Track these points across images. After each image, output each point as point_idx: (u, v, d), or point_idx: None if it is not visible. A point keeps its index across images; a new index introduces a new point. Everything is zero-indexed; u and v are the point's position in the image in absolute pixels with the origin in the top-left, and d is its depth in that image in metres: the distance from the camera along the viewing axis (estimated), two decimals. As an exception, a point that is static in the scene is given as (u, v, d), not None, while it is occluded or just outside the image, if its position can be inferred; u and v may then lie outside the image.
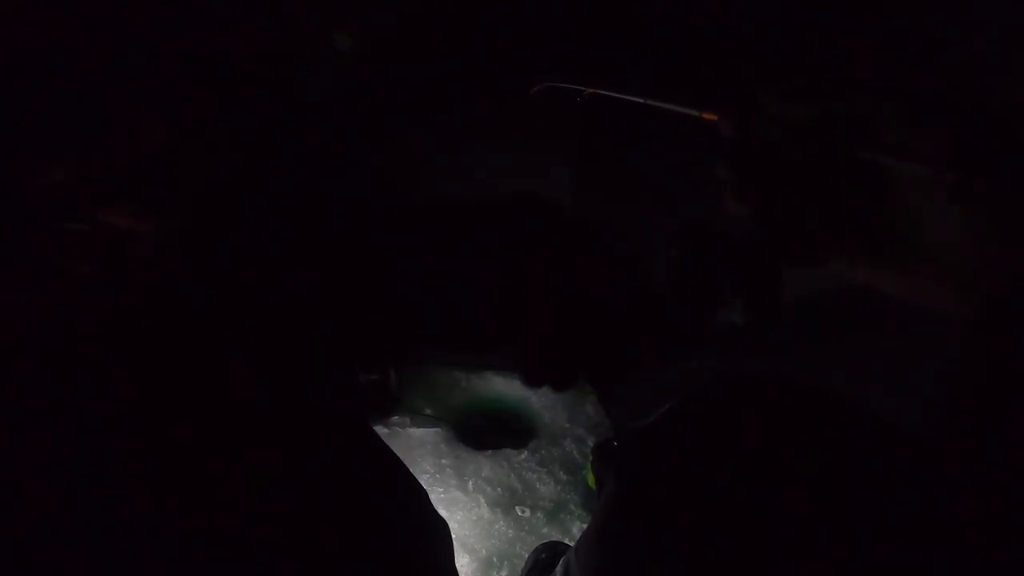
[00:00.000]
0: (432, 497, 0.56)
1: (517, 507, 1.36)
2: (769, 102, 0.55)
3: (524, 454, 1.48)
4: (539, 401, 1.64)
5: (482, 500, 1.36)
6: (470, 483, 1.40)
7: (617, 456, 0.65)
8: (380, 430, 1.50)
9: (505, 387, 1.68)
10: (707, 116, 0.57)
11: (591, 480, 1.32)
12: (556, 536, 1.30)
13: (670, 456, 0.60)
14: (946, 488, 0.54)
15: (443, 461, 1.45)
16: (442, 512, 0.58)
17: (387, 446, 0.55)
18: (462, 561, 1.25)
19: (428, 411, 1.58)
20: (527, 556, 1.22)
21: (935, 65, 0.72)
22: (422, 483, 0.58)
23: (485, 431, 1.56)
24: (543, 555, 1.20)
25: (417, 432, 1.51)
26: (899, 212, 0.53)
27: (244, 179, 1.52)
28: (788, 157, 0.54)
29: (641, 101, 0.64)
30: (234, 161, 1.47)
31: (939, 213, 0.50)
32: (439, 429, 1.52)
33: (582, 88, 0.72)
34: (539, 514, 1.35)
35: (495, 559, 1.27)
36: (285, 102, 1.42)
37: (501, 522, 1.32)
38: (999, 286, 0.49)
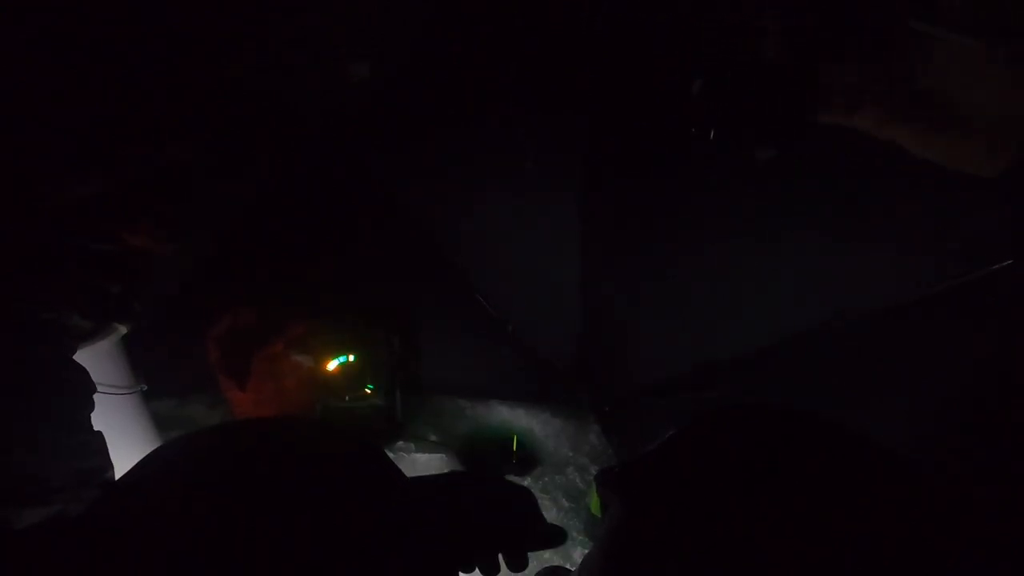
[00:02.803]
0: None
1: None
2: None
3: (527, 481, 1.50)
4: (542, 430, 1.65)
5: (485, 526, 1.36)
6: (473, 509, 1.40)
7: (623, 479, 0.67)
8: (384, 455, 1.51)
9: (509, 416, 1.69)
10: None
11: (595, 506, 1.33)
12: (558, 561, 1.30)
13: (674, 479, 0.62)
14: (944, 509, 0.55)
15: (447, 487, 1.45)
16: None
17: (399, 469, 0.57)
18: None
19: (433, 437, 1.59)
20: (529, 582, 1.22)
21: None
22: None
23: (489, 458, 1.57)
24: (545, 581, 1.21)
25: (422, 457, 1.52)
26: (939, 77, 0.55)
27: (259, 204, 1.55)
28: (841, 15, 0.56)
29: None
30: (249, 186, 1.51)
31: (980, 79, 0.52)
32: (443, 455, 1.53)
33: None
34: (541, 541, 1.35)
35: (497, 585, 1.27)
36: (300, 127, 1.46)
37: (503, 548, 1.32)
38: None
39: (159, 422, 1.43)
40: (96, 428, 0.93)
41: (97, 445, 0.91)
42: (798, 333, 1.20)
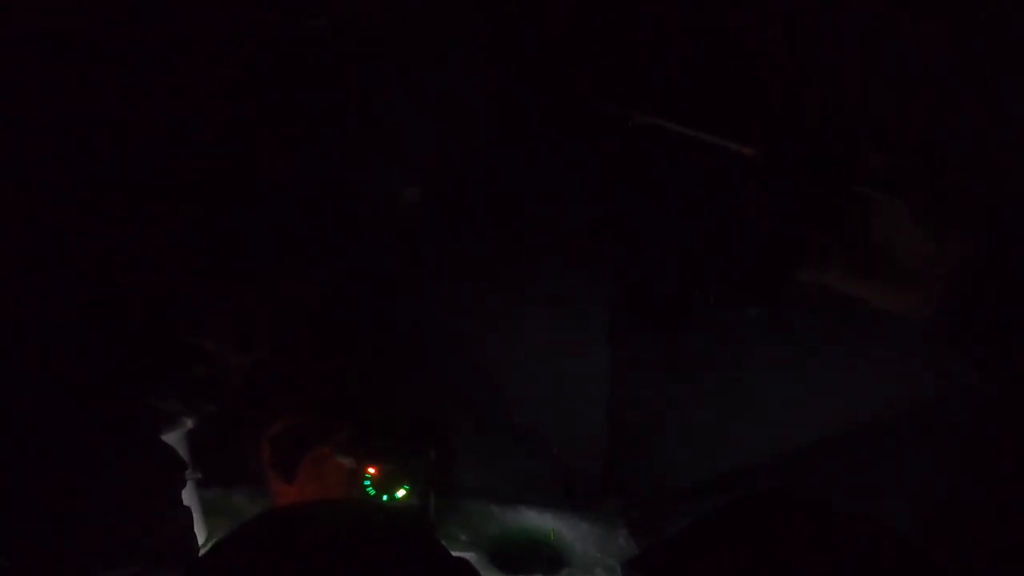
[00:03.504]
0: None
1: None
2: (794, 144, 0.68)
3: (555, 582, 1.53)
4: (570, 533, 1.70)
5: (512, 623, 1.40)
6: (501, 607, 1.44)
7: (646, 559, 0.74)
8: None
9: (538, 520, 1.74)
10: (745, 151, 0.71)
11: (621, 604, 1.37)
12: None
13: (693, 558, 0.69)
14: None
15: (476, 585, 1.49)
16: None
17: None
18: None
19: (463, 537, 1.64)
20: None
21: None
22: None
23: (517, 558, 1.62)
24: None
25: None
26: (881, 236, 0.65)
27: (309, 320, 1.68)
28: (803, 188, 0.67)
29: (690, 133, 0.77)
30: (310, 295, 1.64)
31: (910, 237, 0.63)
32: (473, 554, 1.58)
33: (634, 114, 0.86)
34: (567, 638, 1.38)
35: None
36: (356, 255, 1.60)
37: (530, 645, 1.36)
38: (949, 290, 0.62)
39: (206, 509, 1.51)
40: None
41: (184, 520, 0.99)
42: (807, 442, 1.28)
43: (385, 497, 1.58)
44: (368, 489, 1.59)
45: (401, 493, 1.60)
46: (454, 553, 1.56)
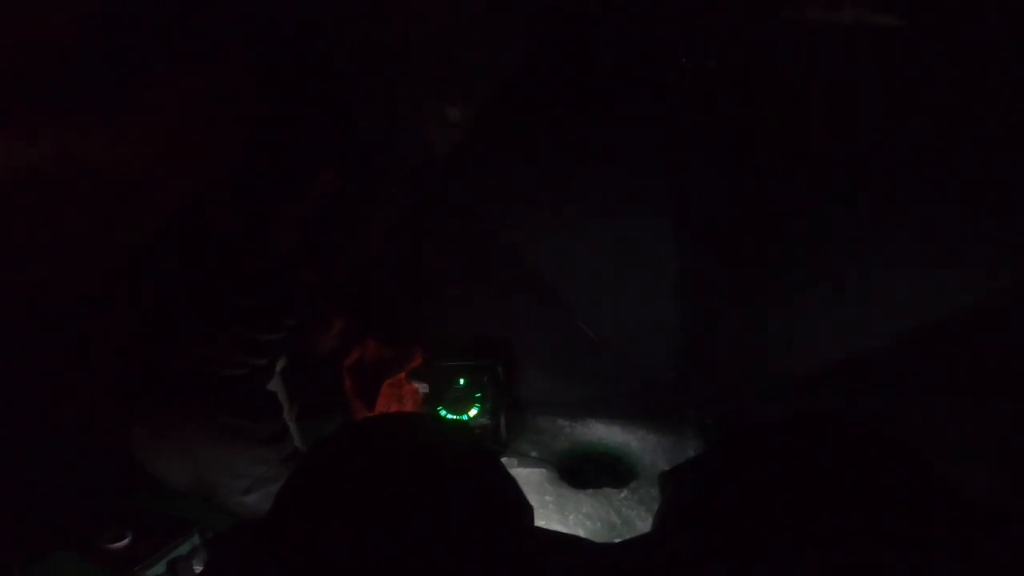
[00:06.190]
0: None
1: (616, 540, 1.47)
2: None
3: (624, 493, 1.60)
4: (639, 446, 1.75)
5: (581, 533, 1.49)
6: (571, 518, 1.54)
7: (674, 472, 0.80)
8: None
9: (607, 433, 1.81)
10: None
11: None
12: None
13: (716, 472, 0.75)
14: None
15: (546, 498, 1.60)
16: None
17: None
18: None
19: (534, 454, 1.74)
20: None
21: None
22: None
23: (587, 472, 1.71)
24: None
25: (523, 472, 1.66)
26: None
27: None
28: None
29: None
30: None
31: None
32: (544, 469, 1.68)
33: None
34: (635, 545, 1.46)
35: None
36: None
37: (598, 552, 1.44)
38: None
39: (303, 441, 1.65)
40: None
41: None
42: (879, 349, 1.32)
43: (460, 416, 1.69)
44: (441, 410, 1.71)
45: (473, 412, 1.70)
46: (525, 469, 1.68)
